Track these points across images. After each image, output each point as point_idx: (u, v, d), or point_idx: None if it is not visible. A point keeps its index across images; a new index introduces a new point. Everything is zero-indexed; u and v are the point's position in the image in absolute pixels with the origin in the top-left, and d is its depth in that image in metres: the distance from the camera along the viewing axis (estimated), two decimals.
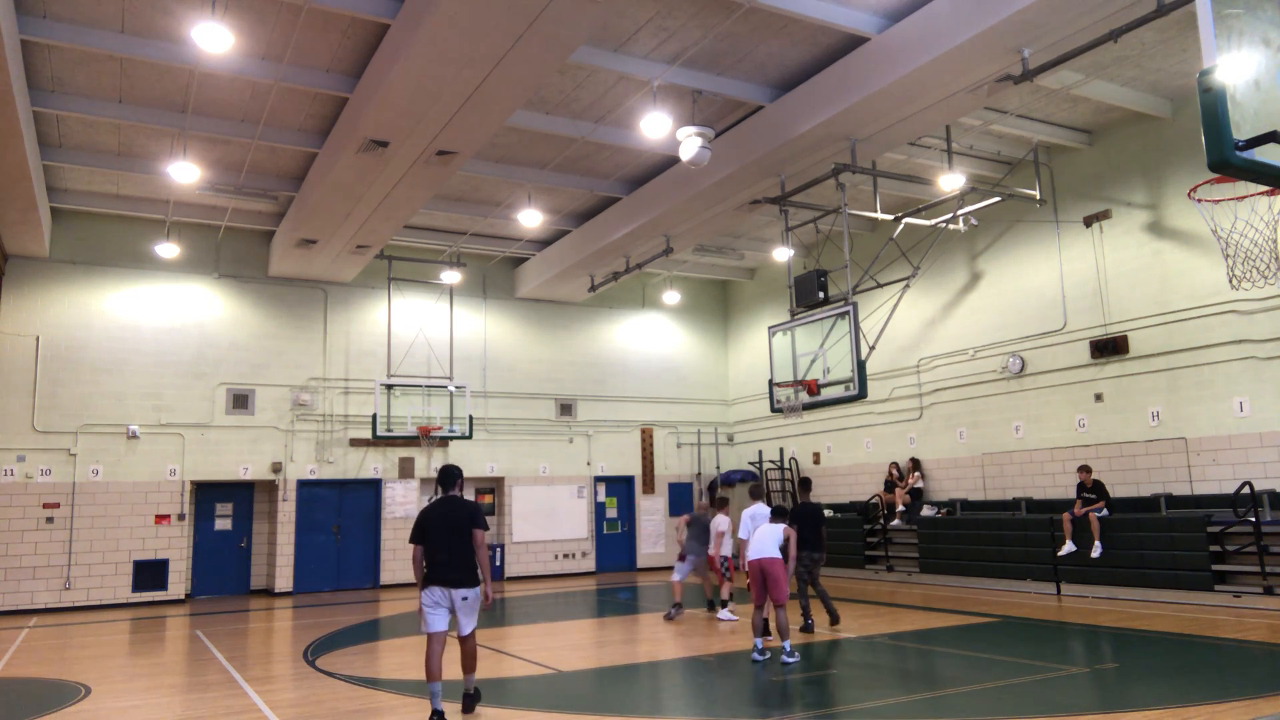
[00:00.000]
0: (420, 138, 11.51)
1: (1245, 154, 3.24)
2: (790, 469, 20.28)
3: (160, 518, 16.48)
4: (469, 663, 7.14)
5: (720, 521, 12.38)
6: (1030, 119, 13.61)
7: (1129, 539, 12.71)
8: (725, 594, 12.28)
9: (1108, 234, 14.15)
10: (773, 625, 9.34)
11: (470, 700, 7.13)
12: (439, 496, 7.31)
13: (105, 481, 16.18)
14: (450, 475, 7.31)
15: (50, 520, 15.70)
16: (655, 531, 21.29)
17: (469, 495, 19.54)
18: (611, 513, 20.93)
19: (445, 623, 7.00)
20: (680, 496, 21.55)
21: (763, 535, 9.12)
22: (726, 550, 12.27)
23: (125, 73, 11.39)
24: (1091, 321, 14.25)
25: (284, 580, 17.41)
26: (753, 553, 9.05)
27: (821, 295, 13.28)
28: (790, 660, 8.64)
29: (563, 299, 20.70)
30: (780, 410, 13.14)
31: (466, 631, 7.06)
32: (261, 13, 10.03)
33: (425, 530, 7.03)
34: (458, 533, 6.99)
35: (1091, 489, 13.13)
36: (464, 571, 6.95)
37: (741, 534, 10.28)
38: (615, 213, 16.40)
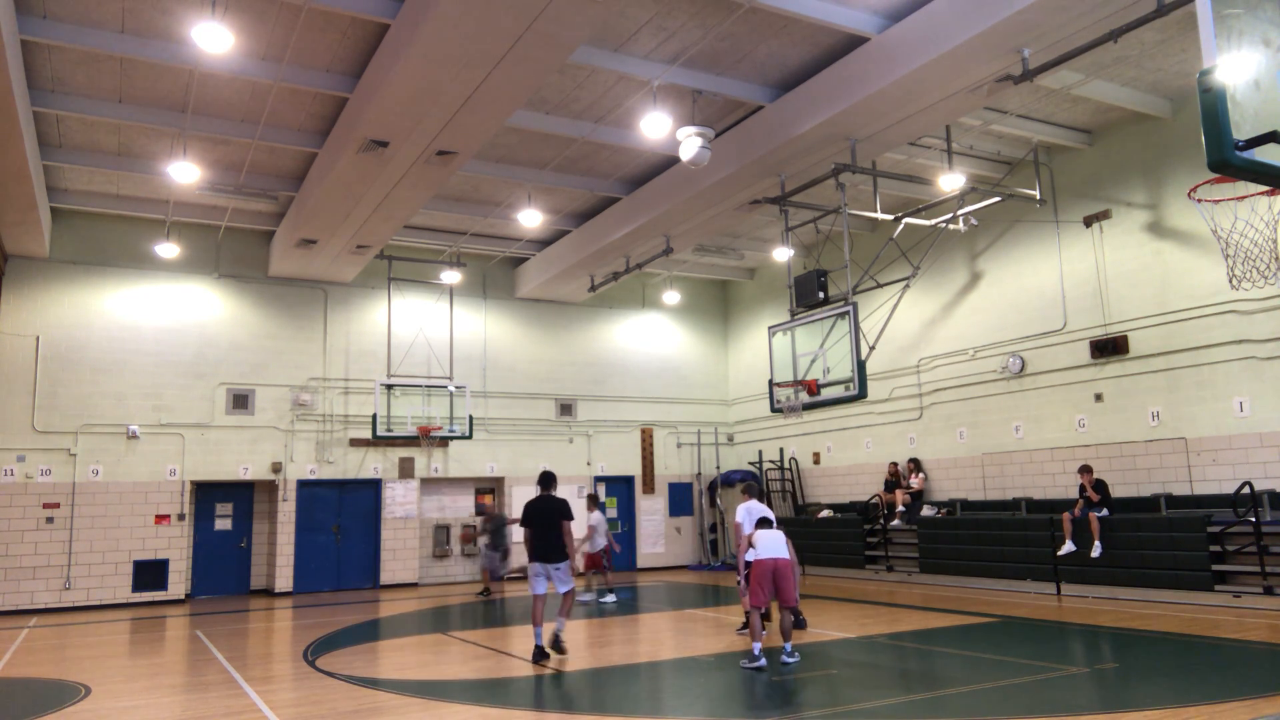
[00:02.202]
0: (420, 138, 11.51)
1: (1245, 154, 3.23)
2: (790, 469, 20.28)
3: (160, 518, 16.48)
4: (564, 607, 9.44)
5: (592, 518, 14.85)
6: (1030, 119, 13.61)
7: (1129, 539, 12.70)
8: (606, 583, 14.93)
9: (1108, 234, 14.15)
10: (776, 625, 9.36)
11: (557, 641, 9.21)
12: (540, 494, 9.59)
13: (105, 481, 16.18)
14: (548, 478, 9.72)
15: (50, 520, 15.70)
16: (655, 531, 21.28)
17: (467, 495, 19.69)
18: (611, 513, 20.89)
19: (544, 587, 9.40)
20: (680, 496, 21.56)
21: (773, 538, 9.15)
22: (600, 544, 14.79)
23: (125, 73, 11.39)
24: (1091, 321, 14.25)
25: (284, 580, 17.41)
26: (765, 553, 9.05)
27: (821, 295, 13.29)
28: (790, 660, 8.65)
29: (563, 299, 20.69)
30: (780, 410, 13.15)
31: (562, 590, 9.43)
32: (261, 13, 10.03)
33: (530, 519, 9.40)
34: (552, 522, 9.33)
35: (1094, 488, 13.10)
36: (555, 550, 9.33)
37: (742, 524, 10.40)
38: (615, 213, 16.40)
